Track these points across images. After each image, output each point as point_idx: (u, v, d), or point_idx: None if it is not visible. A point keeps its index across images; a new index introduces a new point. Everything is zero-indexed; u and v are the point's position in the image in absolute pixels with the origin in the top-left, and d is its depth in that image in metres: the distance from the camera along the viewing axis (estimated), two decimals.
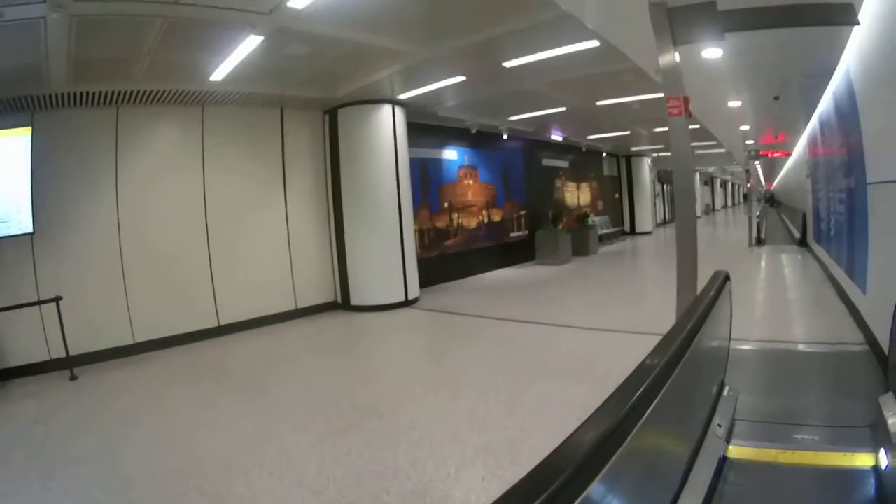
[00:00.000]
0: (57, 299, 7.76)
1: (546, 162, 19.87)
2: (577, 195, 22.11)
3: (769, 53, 7.68)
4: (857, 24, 5.41)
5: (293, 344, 9.10)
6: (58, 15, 5.32)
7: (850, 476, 3.40)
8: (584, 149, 21.90)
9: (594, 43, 7.58)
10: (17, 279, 7.96)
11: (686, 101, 5.61)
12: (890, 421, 3.39)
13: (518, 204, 17.65)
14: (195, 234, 9.59)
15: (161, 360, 8.40)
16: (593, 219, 21.26)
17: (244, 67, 7.76)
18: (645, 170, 27.44)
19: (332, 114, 10.99)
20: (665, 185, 33.20)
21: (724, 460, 3.50)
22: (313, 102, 10.58)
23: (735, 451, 3.72)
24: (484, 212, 16.07)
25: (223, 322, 9.76)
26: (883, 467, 3.20)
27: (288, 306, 10.70)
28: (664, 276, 12.87)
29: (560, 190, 20.90)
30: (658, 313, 6.44)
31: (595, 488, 1.56)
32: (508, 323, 9.37)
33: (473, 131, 14.81)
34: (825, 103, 10.09)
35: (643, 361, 2.41)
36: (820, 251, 12.61)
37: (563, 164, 21.01)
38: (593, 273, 15.41)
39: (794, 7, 5.26)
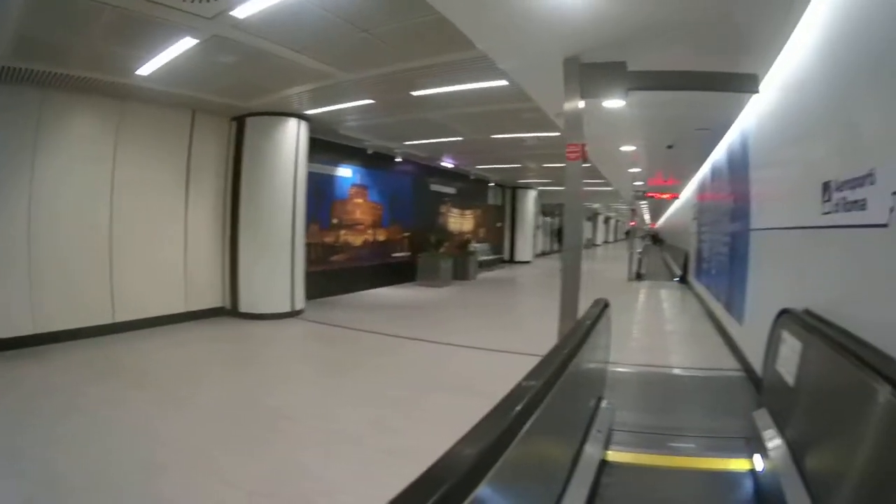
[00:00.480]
0: None
1: (434, 187, 20.43)
2: (461, 221, 22.79)
3: (669, 108, 8.27)
4: (758, 92, 6.11)
5: (191, 347, 9.08)
6: None
7: (729, 478, 3.98)
8: (472, 177, 22.58)
9: (503, 82, 7.99)
10: None
11: (584, 147, 6.07)
12: (763, 432, 3.93)
13: (403, 226, 18.08)
14: (100, 228, 9.42)
15: (61, 352, 8.15)
16: (475, 245, 21.99)
17: (171, 67, 7.77)
18: (529, 202, 28.51)
19: (239, 122, 11.03)
20: (547, 218, 34.46)
21: (603, 463, 3.99)
22: (224, 109, 10.59)
23: (614, 455, 4.26)
24: (370, 231, 16.37)
25: (118, 319, 9.61)
26: (759, 470, 3.74)
27: (179, 308, 10.65)
28: (542, 303, 13.72)
29: (445, 215, 21.51)
30: (537, 336, 6.92)
31: (483, 489, 1.71)
32: (396, 339, 9.70)
33: (369, 152, 15.16)
34: (718, 154, 11.13)
35: (527, 375, 2.67)
36: (700, 288, 13.79)
37: (451, 190, 21.64)
38: (473, 297, 15.99)
39: (701, 73, 5.88)
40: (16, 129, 8.28)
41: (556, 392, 2.70)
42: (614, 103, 6.69)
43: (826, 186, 4.03)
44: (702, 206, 14.67)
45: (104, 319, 9.41)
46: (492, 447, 1.89)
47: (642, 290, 16.87)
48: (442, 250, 18.83)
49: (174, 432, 5.24)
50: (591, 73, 5.86)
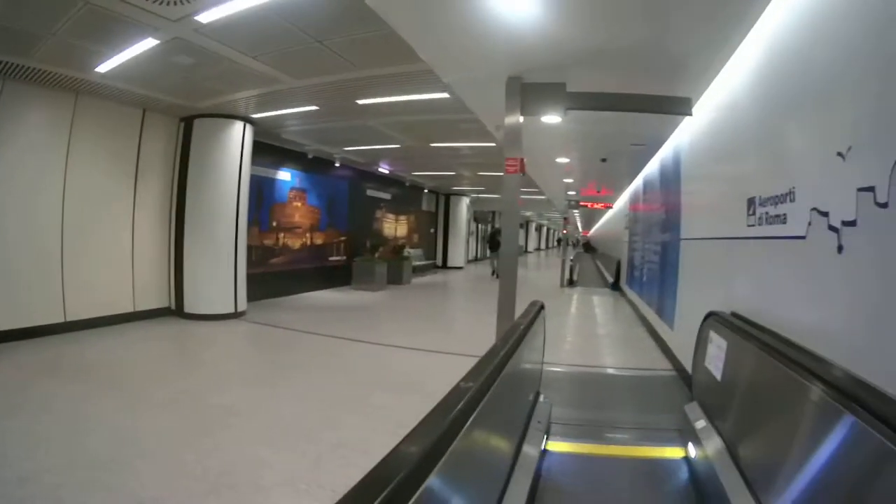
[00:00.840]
0: None
1: (370, 192, 20.66)
2: (395, 226, 23.06)
3: (605, 124, 8.67)
4: (691, 115, 6.60)
5: (139, 346, 9.11)
6: None
7: (665, 464, 4.37)
8: (407, 183, 22.93)
9: (445, 95, 8.31)
10: None
11: (522, 161, 6.45)
12: (695, 422, 4.32)
13: (339, 230, 18.26)
14: (51, 225, 9.35)
15: (10, 352, 8.03)
16: (409, 251, 22.25)
17: (128, 65, 7.84)
18: (462, 209, 29.05)
19: (187, 122, 11.05)
20: (479, 225, 34.95)
21: (544, 452, 4.32)
22: (174, 109, 10.59)
23: (553, 445, 4.61)
24: (308, 234, 16.50)
25: (69, 318, 9.58)
26: (693, 457, 4.13)
27: (127, 308, 10.66)
28: (475, 307, 14.18)
29: (380, 220, 21.74)
30: (472, 339, 7.34)
31: (432, 480, 1.79)
32: (337, 340, 9.92)
33: (310, 156, 15.33)
34: (651, 167, 11.71)
35: (469, 371, 2.83)
36: (632, 295, 14.36)
37: (386, 195, 21.88)
38: (408, 301, 16.25)
39: (637, 96, 6.33)
40: None
41: (497, 387, 2.90)
42: (552, 119, 7.04)
43: (751, 201, 4.49)
44: (634, 216, 15.30)
45: (56, 318, 9.38)
46: (438, 440, 1.99)
47: (575, 296, 17.42)
48: (377, 255, 19.10)
49: (132, 428, 5.35)
50: (532, 92, 6.25)
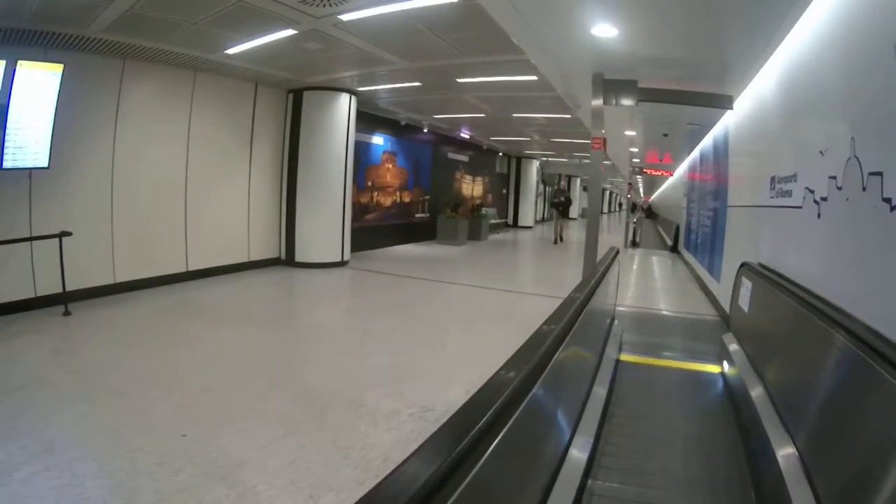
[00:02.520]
0: (64, 234, 8.07)
1: (450, 155, 22.18)
2: (472, 187, 24.59)
3: (665, 107, 9.82)
4: (732, 109, 8.11)
5: (261, 289, 10.83)
6: None
7: (705, 376, 5.87)
8: (484, 147, 24.39)
9: (533, 77, 9.65)
10: (14, 214, 8.02)
11: (605, 140, 7.98)
12: (729, 346, 5.75)
13: (424, 189, 19.92)
14: (176, 187, 10.50)
15: (140, 300, 9.12)
16: (486, 210, 23.78)
17: (257, 48, 8.82)
18: (533, 171, 30.38)
19: (296, 94, 12.55)
20: (546, 186, 36.03)
21: (618, 362, 5.84)
22: (283, 82, 12.00)
23: (625, 357, 6.14)
24: (397, 193, 18.18)
25: (191, 268, 10.87)
26: (726, 371, 5.61)
27: (242, 258, 12.14)
28: (547, 260, 16.08)
29: (459, 181, 23.30)
30: (548, 283, 8.91)
31: (539, 388, 2.25)
32: (434, 283, 11.76)
33: (403, 123, 16.99)
34: (706, 142, 13.03)
35: (565, 300, 3.63)
36: (689, 256, 15.64)
37: (464, 158, 23.37)
38: (488, 254, 18.00)
39: (691, 92, 7.85)
40: (101, 94, 9.03)
41: (587, 311, 3.86)
42: (626, 103, 8.50)
43: (773, 179, 5.91)
44: (692, 184, 16.53)
45: (180, 268, 10.67)
46: (547, 350, 2.50)
47: (637, 256, 18.75)
48: (458, 213, 20.72)
49: (291, 347, 7.24)
50: (611, 86, 7.86)
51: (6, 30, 7.32)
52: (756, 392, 4.18)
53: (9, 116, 7.46)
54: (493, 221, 25.06)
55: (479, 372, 2.91)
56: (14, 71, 7.38)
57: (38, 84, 7.70)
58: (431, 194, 20.44)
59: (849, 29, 3.96)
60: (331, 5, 6.77)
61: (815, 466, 2.78)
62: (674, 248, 20.09)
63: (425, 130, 18.68)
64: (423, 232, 19.83)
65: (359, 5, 6.75)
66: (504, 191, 29.33)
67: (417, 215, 19.65)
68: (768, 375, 4.25)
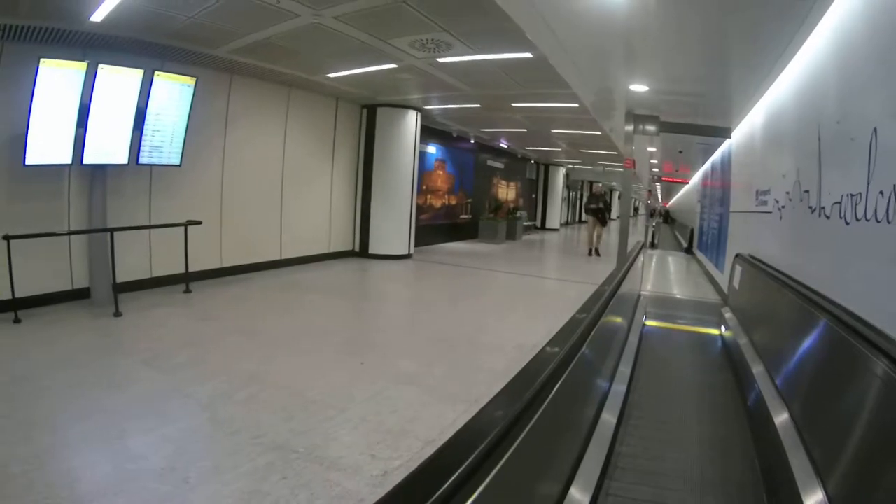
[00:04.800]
0: (191, 223, 9.57)
1: (489, 162, 24.41)
2: (507, 192, 26.81)
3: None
4: (730, 138, 10.50)
5: (352, 273, 13.04)
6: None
7: (707, 337, 8.09)
8: (519, 155, 26.70)
9: (575, 105, 11.77)
10: (137, 204, 9.28)
11: (634, 161, 10.36)
12: (725, 315, 7.93)
13: (467, 193, 22.15)
14: (273, 185, 12.14)
15: (248, 281, 10.79)
16: (521, 212, 26.15)
17: (356, 74, 10.51)
18: (559, 177, 32.68)
19: (370, 109, 14.63)
20: (570, 192, 38.12)
21: (644, 326, 8.11)
22: (359, 99, 13.99)
23: (650, 324, 8.41)
24: (446, 196, 20.48)
25: (284, 257, 12.63)
26: (723, 333, 7.79)
27: (324, 249, 14.06)
28: (578, 253, 18.83)
29: (495, 186, 25.53)
30: (582, 273, 11.40)
31: (585, 350, 3.03)
32: (487, 272, 14.20)
33: (454, 135, 19.35)
34: (715, 156, 15.41)
35: (608, 278, 5.65)
36: (701, 256, 17.90)
37: (500, 165, 25.55)
38: (525, 251, 20.59)
39: (700, 125, 10.30)
40: (216, 104, 10.34)
41: (622, 288, 5.61)
42: (650, 130, 10.85)
43: (758, 192, 8.21)
44: (704, 191, 18.88)
45: (274, 256, 12.36)
46: (594, 316, 3.44)
47: (655, 256, 20.80)
48: (497, 215, 23.13)
49: (390, 314, 9.82)
50: (639, 118, 10.34)
51: (145, 43, 8.31)
52: (743, 342, 6.20)
53: (146, 119, 8.60)
54: (525, 224, 27.16)
55: (547, 326, 4.89)
56: (152, 81, 8.51)
57: (173, 93, 8.88)
58: (473, 197, 22.66)
59: (800, 97, 6.22)
60: (433, 53, 8.57)
61: (781, 380, 4.30)
62: (688, 250, 21.91)
63: (471, 141, 20.99)
64: (466, 231, 22.11)
65: (456, 54, 8.59)
66: (533, 195, 31.54)
67: (462, 216, 21.90)
68: (751, 331, 6.14)
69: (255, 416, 4.69)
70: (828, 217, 4.60)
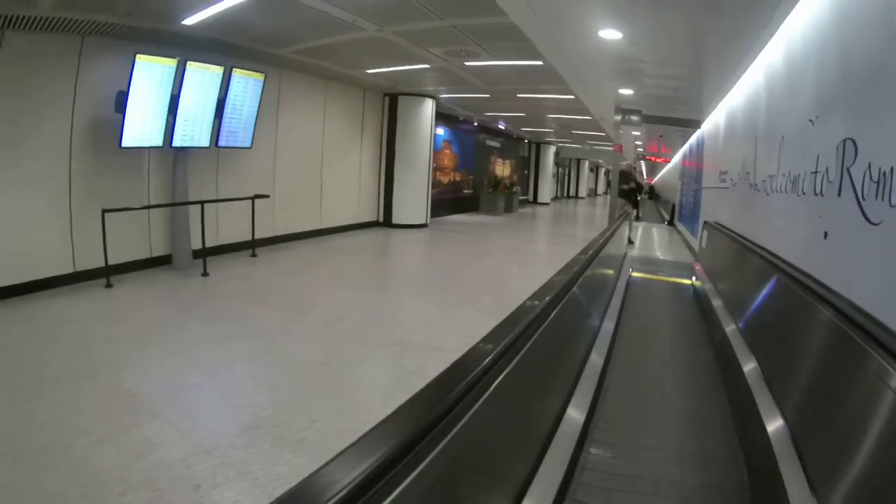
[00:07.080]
0: (258, 197, 10.93)
1: (488, 142, 26.48)
2: (503, 169, 28.91)
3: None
4: (700, 128, 12.75)
5: (383, 239, 15.12)
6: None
7: (682, 286, 10.38)
8: (514, 135, 28.83)
9: (571, 96, 13.48)
10: (205, 180, 10.41)
11: (621, 146, 12.60)
12: (696, 267, 10.30)
13: (469, 170, 24.30)
14: (314, 164, 13.82)
15: (298, 247, 12.49)
16: (517, 188, 28.31)
17: (390, 70, 12.47)
18: (550, 155, 34.85)
19: (392, 98, 16.63)
20: (559, 169, 40.24)
21: (630, 277, 10.36)
22: (382, 89, 15.92)
23: (634, 275, 10.67)
24: (451, 173, 22.62)
25: (323, 226, 14.32)
26: (694, 282, 10.11)
27: (353, 220, 15.85)
28: (572, 224, 21.30)
29: (493, 163, 27.64)
30: (576, 237, 14.00)
31: (574, 291, 3.97)
32: (494, 238, 16.47)
33: (461, 119, 21.48)
34: (692, 140, 17.54)
35: (596, 237, 7.65)
36: (681, 227, 20.17)
37: (497, 144, 27.64)
38: (523, 221, 22.97)
39: (675, 118, 12.62)
40: (271, 94, 11.32)
41: (608, 245, 7.83)
42: (634, 120, 13.05)
43: (722, 172, 10.45)
44: (683, 170, 21.14)
45: (315, 226, 14.08)
46: (580, 270, 4.26)
47: (640, 228, 22.69)
48: (496, 190, 25.26)
49: (425, 267, 12.01)
50: (626, 112, 12.59)
51: (226, 44, 9.42)
52: (708, 286, 8.28)
53: (225, 109, 9.83)
54: (519, 198, 29.24)
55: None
56: (230, 76, 9.71)
57: (248, 86, 10.15)
58: (474, 174, 24.75)
59: (746, 106, 8.41)
60: (460, 59, 10.54)
61: (732, 307, 6.62)
62: (670, 222, 23.89)
63: (474, 123, 23.05)
64: (469, 204, 24.23)
65: (481, 60, 10.58)
66: (526, 172, 33.66)
67: (465, 191, 24.02)
68: (714, 278, 8.34)
69: (366, 328, 6.83)
70: (758, 190, 6.83)
